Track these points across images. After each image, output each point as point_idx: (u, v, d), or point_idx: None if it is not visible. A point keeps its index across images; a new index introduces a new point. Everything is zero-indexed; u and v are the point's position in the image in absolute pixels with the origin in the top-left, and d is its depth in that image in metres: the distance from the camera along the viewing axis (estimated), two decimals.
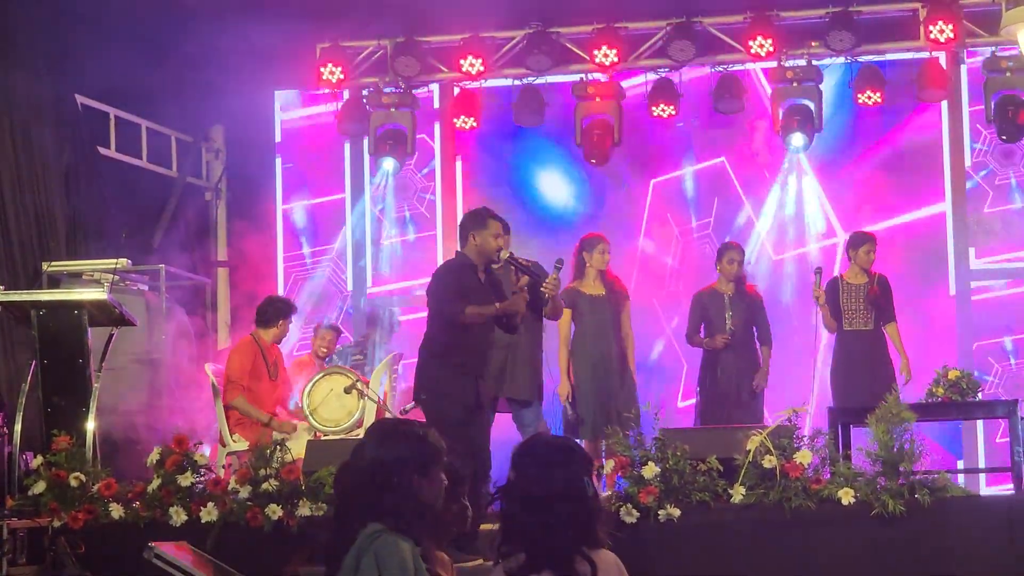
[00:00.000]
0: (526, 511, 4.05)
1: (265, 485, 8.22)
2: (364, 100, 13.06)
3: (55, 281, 10.89)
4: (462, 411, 8.30)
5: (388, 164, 13.10)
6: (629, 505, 7.91)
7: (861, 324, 10.42)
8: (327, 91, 13.13)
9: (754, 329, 10.65)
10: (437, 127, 13.38)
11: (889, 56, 12.52)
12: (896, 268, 11.36)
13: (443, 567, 4.78)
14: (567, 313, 9.98)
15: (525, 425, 9.52)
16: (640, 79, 12.85)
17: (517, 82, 12.90)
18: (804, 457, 7.94)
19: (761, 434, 8.03)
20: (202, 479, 8.49)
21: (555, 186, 13.22)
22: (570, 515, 4.04)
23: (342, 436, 9.56)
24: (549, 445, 4.21)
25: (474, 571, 7.34)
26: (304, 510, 8.13)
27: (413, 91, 13.03)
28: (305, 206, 13.58)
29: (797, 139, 12.38)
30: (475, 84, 12.95)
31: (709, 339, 10.53)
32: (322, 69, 12.88)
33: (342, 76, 12.89)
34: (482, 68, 12.65)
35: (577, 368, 10.20)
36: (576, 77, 12.77)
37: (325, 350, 11.36)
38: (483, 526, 7.66)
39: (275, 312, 10.31)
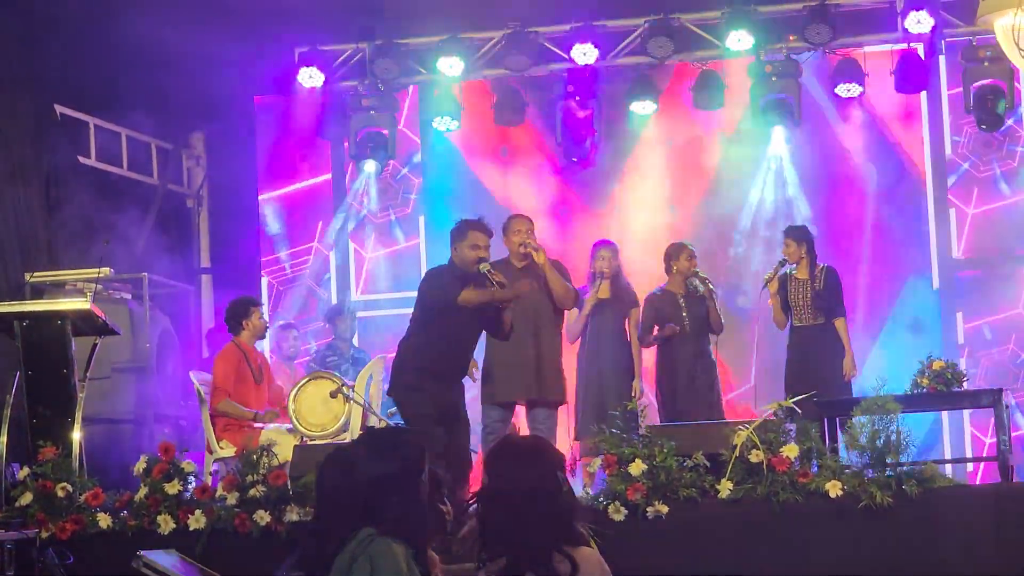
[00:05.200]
0: (502, 513, 4.03)
1: (252, 491, 8.22)
2: (344, 103, 13.04)
3: (38, 291, 10.84)
4: (433, 408, 8.44)
5: (369, 167, 13.13)
6: (617, 503, 7.93)
7: (810, 319, 10.26)
8: (306, 95, 13.11)
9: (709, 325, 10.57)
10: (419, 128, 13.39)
11: (867, 48, 12.53)
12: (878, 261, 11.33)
13: (433, 565, 4.79)
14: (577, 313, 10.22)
15: (538, 423, 9.60)
16: None
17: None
18: (791, 451, 7.95)
19: (747, 429, 8.04)
20: (189, 487, 8.48)
21: (536, 184, 13.20)
22: (545, 512, 4.02)
23: (329, 440, 9.53)
24: (519, 445, 4.20)
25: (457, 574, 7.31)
26: (292, 515, 8.13)
27: (393, 93, 13.02)
28: (287, 211, 13.54)
29: (777, 133, 12.48)
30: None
31: (660, 330, 10.38)
32: (301, 73, 12.87)
33: (321, 80, 12.88)
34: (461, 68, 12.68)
35: (580, 370, 10.32)
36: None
37: (292, 351, 11.60)
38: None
39: (234, 315, 10.20)
